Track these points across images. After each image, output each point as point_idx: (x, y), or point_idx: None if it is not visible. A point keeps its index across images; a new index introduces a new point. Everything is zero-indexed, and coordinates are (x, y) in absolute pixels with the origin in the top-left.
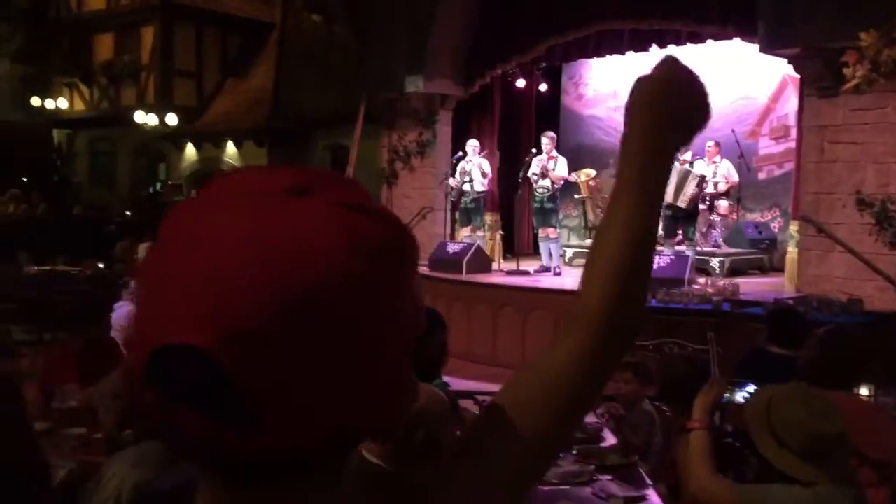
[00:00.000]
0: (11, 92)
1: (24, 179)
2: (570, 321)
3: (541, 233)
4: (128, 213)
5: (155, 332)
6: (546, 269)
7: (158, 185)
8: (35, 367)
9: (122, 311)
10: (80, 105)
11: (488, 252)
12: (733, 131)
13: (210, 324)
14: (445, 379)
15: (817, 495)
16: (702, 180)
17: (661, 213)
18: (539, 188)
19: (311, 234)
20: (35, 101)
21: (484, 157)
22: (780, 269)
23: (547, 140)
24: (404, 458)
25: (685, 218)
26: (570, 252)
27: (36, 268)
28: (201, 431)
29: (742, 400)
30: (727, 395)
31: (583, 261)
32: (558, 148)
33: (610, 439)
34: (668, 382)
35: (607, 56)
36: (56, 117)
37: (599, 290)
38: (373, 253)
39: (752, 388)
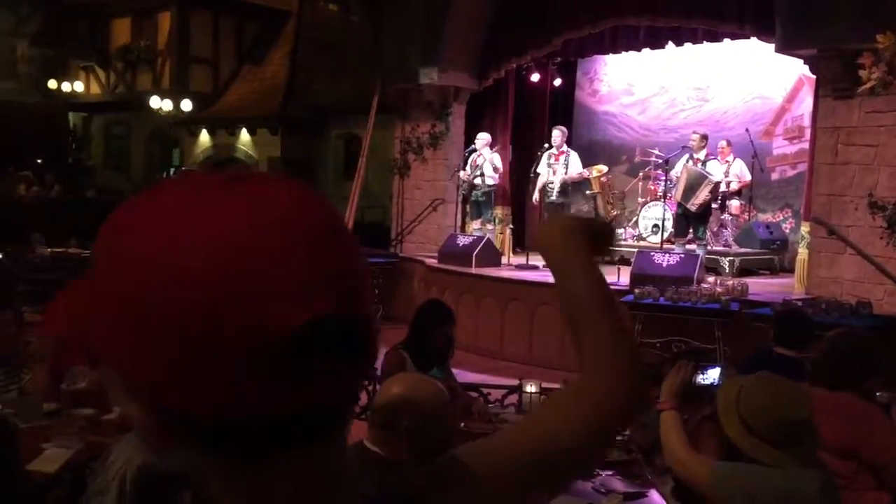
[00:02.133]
0: (29, 74)
1: (39, 161)
2: (577, 393)
3: None
4: None
5: (276, 310)
6: None
7: (172, 170)
8: (45, 349)
9: None
10: (96, 89)
11: (498, 246)
12: (747, 130)
13: (327, 291)
14: (454, 371)
15: (787, 475)
16: (716, 186)
17: (673, 212)
18: (549, 183)
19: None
20: (52, 83)
21: (496, 151)
22: (790, 271)
23: (558, 133)
24: (395, 447)
25: (696, 217)
26: None
27: (49, 250)
28: (348, 387)
29: (704, 382)
30: (694, 377)
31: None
32: (570, 143)
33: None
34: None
35: (623, 52)
36: (72, 100)
37: (610, 381)
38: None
39: (714, 371)
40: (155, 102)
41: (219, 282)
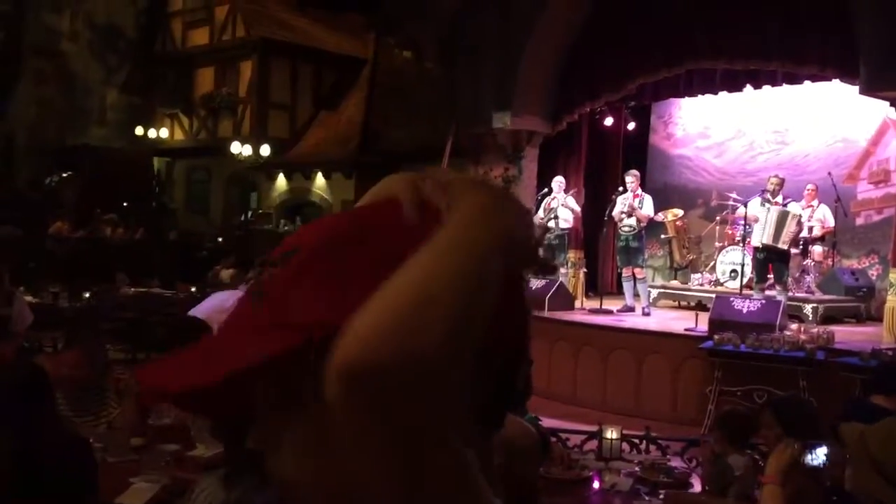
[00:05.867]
0: (117, 121)
1: (125, 204)
2: None
3: (625, 272)
4: (219, 239)
5: None
6: (629, 309)
7: (249, 214)
8: (132, 386)
9: (219, 298)
10: (179, 135)
11: (571, 290)
12: (830, 174)
13: None
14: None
15: None
16: (800, 219)
17: (753, 256)
18: (624, 227)
19: None
20: (138, 130)
21: (571, 195)
22: (877, 319)
23: (631, 178)
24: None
25: (777, 261)
26: (654, 292)
27: (132, 289)
28: None
29: (815, 463)
30: (801, 456)
31: (669, 301)
32: (644, 187)
33: (697, 486)
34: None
35: (699, 95)
36: (157, 146)
37: None
38: None
39: (823, 449)
40: (235, 148)
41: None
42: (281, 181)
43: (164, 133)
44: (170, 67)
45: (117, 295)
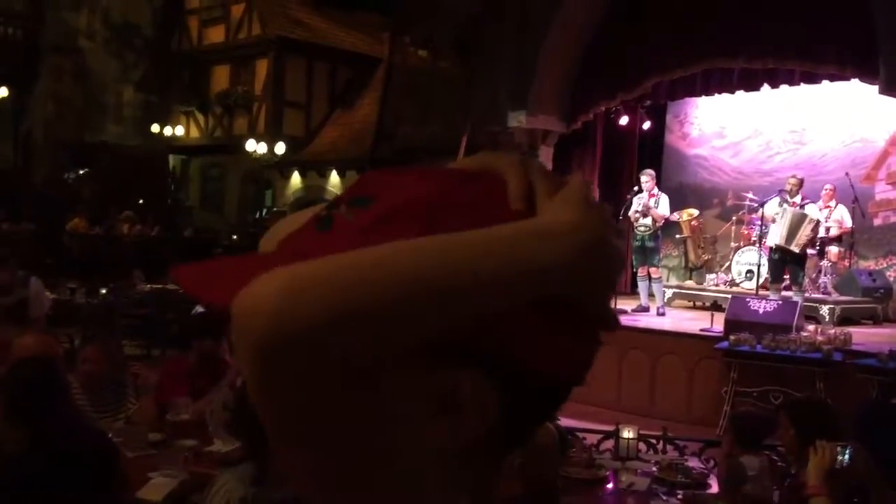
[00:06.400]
0: (133, 118)
1: (141, 201)
2: None
3: (640, 271)
4: (234, 236)
5: None
6: (644, 309)
7: (264, 211)
8: (149, 381)
9: None
10: (195, 132)
11: None
12: (847, 175)
13: None
14: None
15: None
16: (817, 224)
17: (769, 256)
18: (640, 226)
19: None
20: (154, 127)
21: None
22: (894, 321)
23: (647, 178)
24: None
25: (793, 262)
26: (669, 292)
27: (148, 286)
28: None
29: (845, 463)
30: (838, 457)
31: (684, 301)
32: (659, 186)
33: (715, 486)
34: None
35: (715, 94)
36: (172, 143)
37: None
38: None
39: (849, 450)
40: (250, 145)
41: None
42: (296, 179)
43: (179, 130)
44: (186, 65)
45: (133, 291)
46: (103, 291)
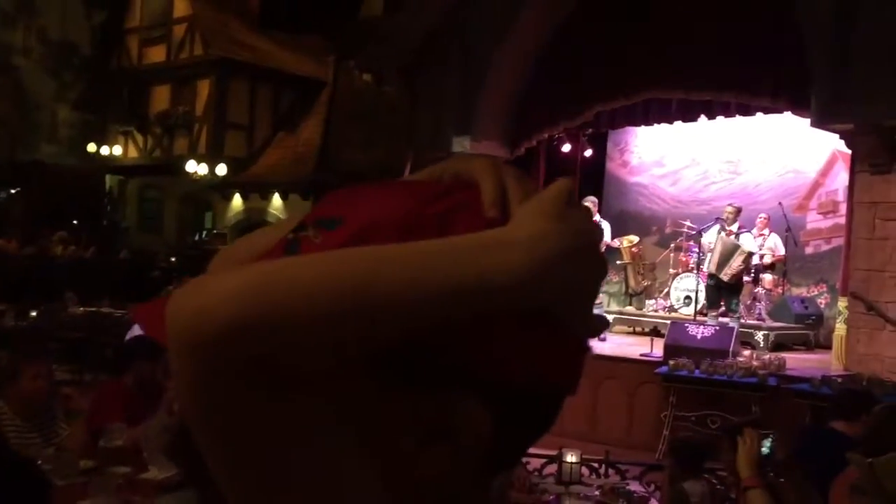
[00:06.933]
0: (69, 137)
1: (75, 222)
2: None
3: None
4: (172, 259)
5: None
6: None
7: (204, 234)
8: (81, 406)
9: None
10: (133, 153)
11: None
12: (780, 204)
13: None
14: None
15: None
16: (748, 256)
17: (706, 283)
18: None
19: None
20: (91, 147)
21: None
22: (826, 346)
23: (589, 205)
24: None
25: (728, 289)
26: (610, 318)
27: (81, 309)
28: None
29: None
30: (763, 447)
31: (624, 327)
32: (600, 213)
33: None
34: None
35: (655, 124)
36: (109, 163)
37: None
38: None
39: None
40: (191, 167)
41: None
42: (237, 201)
43: (117, 150)
44: (125, 84)
45: (65, 314)
46: (33, 314)
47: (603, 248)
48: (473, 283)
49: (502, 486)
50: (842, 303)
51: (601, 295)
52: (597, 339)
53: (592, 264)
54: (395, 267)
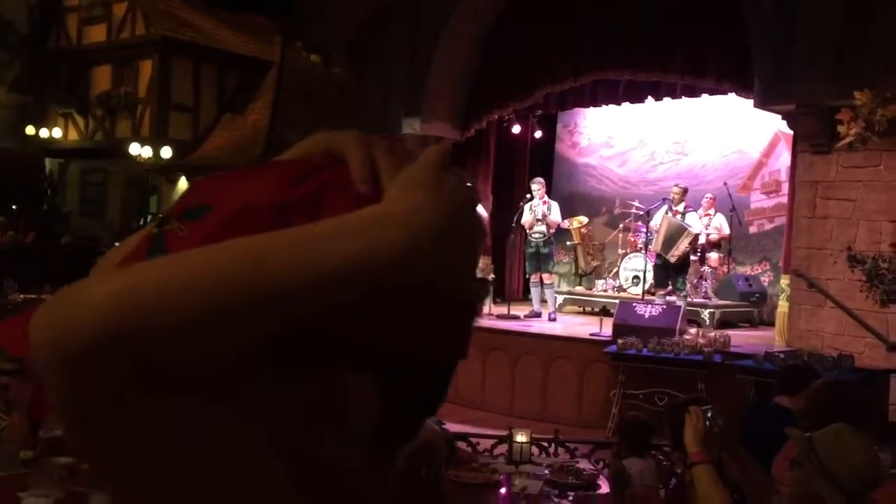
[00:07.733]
0: (6, 120)
1: (14, 207)
2: None
3: (533, 278)
4: (116, 244)
5: None
6: (537, 315)
7: (149, 218)
8: (21, 395)
9: None
10: (74, 135)
11: None
12: (725, 184)
13: None
14: None
15: None
16: (695, 239)
17: (653, 263)
18: (535, 233)
19: None
20: (29, 129)
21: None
22: (769, 323)
23: (537, 185)
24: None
25: (676, 268)
26: (560, 298)
27: (22, 296)
28: None
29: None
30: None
31: (574, 307)
32: (550, 194)
33: (605, 487)
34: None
35: (603, 105)
36: (49, 146)
37: None
38: None
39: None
40: (134, 149)
41: None
42: (182, 184)
43: (57, 133)
44: (64, 65)
45: (5, 301)
46: None
47: (555, 229)
48: (359, 264)
49: (435, 464)
50: (784, 280)
51: (553, 275)
52: (548, 319)
53: (470, 229)
54: (281, 254)
